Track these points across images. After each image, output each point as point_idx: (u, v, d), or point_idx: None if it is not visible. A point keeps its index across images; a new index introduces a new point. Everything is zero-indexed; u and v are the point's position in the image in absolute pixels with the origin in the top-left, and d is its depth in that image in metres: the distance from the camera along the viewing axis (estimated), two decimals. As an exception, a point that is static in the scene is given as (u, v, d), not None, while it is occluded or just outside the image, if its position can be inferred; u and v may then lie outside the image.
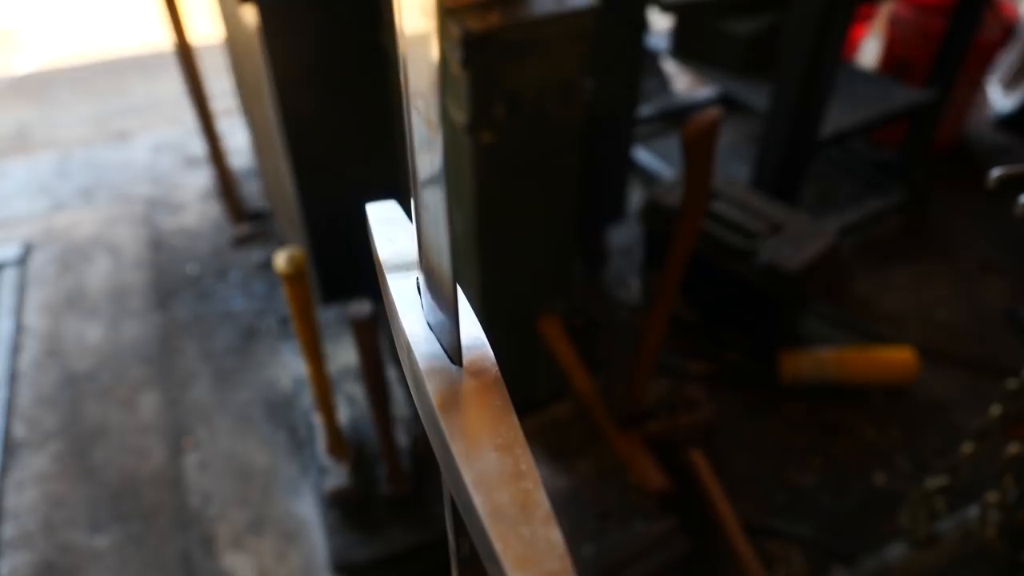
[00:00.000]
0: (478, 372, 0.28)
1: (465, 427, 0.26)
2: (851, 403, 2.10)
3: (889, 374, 2.11)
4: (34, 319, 2.44)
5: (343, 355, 2.15)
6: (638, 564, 1.52)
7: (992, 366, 2.17)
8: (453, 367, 0.29)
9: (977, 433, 1.18)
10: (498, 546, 0.22)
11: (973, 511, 1.41)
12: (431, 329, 0.30)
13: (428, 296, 0.30)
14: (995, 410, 1.12)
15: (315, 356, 1.49)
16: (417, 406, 0.30)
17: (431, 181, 0.27)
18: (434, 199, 0.27)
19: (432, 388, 0.28)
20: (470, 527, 0.25)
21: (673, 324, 2.24)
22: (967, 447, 1.20)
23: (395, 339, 0.33)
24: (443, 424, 0.26)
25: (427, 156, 0.27)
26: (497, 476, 0.24)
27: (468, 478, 0.24)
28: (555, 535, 0.23)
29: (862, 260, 2.61)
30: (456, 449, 0.25)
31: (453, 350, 0.29)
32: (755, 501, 1.86)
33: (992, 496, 1.19)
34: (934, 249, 2.69)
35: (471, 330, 0.30)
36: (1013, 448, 1.12)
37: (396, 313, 0.31)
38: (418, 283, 0.32)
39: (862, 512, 1.84)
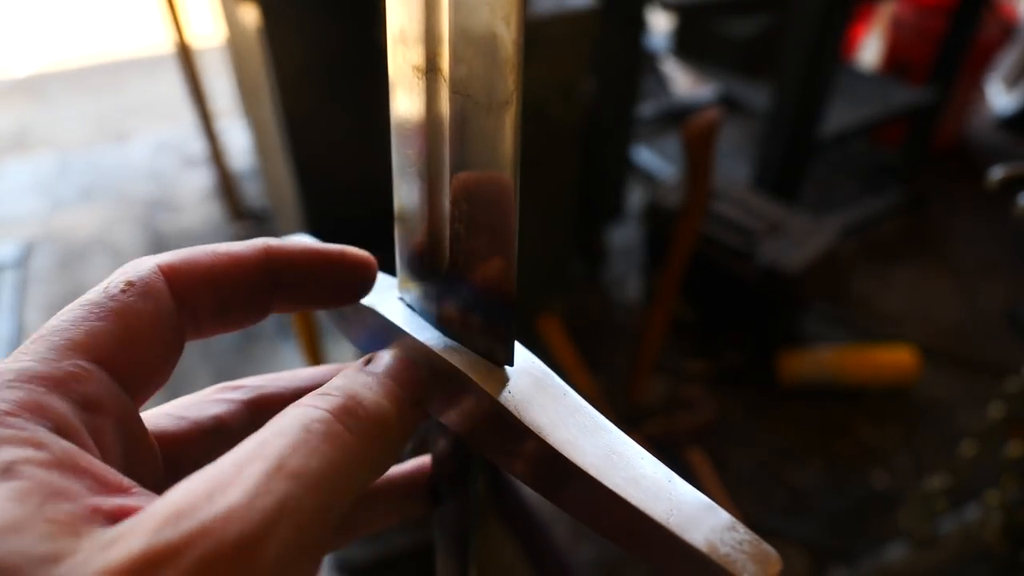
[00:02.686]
0: (527, 367, 0.27)
1: (550, 423, 0.25)
2: (851, 403, 2.10)
3: (889, 374, 2.11)
4: (34, 319, 2.44)
5: (343, 355, 2.15)
6: (639, 565, 1.52)
7: (992, 366, 2.17)
8: (500, 368, 0.27)
9: (977, 433, 1.18)
10: (660, 519, 0.22)
11: (973, 511, 1.41)
12: (451, 339, 0.28)
13: (456, 301, 0.28)
14: (995, 410, 1.12)
15: (315, 356, 1.49)
16: (459, 427, 0.28)
17: (501, 156, 0.24)
18: (499, 176, 0.24)
19: (496, 395, 0.26)
20: (602, 521, 0.24)
21: (673, 324, 2.24)
22: (967, 447, 1.20)
23: None
24: (529, 424, 0.25)
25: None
26: (611, 456, 0.24)
27: (584, 463, 0.23)
28: (694, 492, 0.23)
29: (862, 260, 2.61)
30: (555, 442, 0.24)
31: (501, 350, 0.27)
32: (755, 501, 1.86)
33: (992, 496, 1.19)
34: (934, 249, 2.69)
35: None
36: (1013, 448, 1.12)
37: (400, 332, 0.29)
38: (405, 300, 0.30)
39: (862, 512, 1.84)
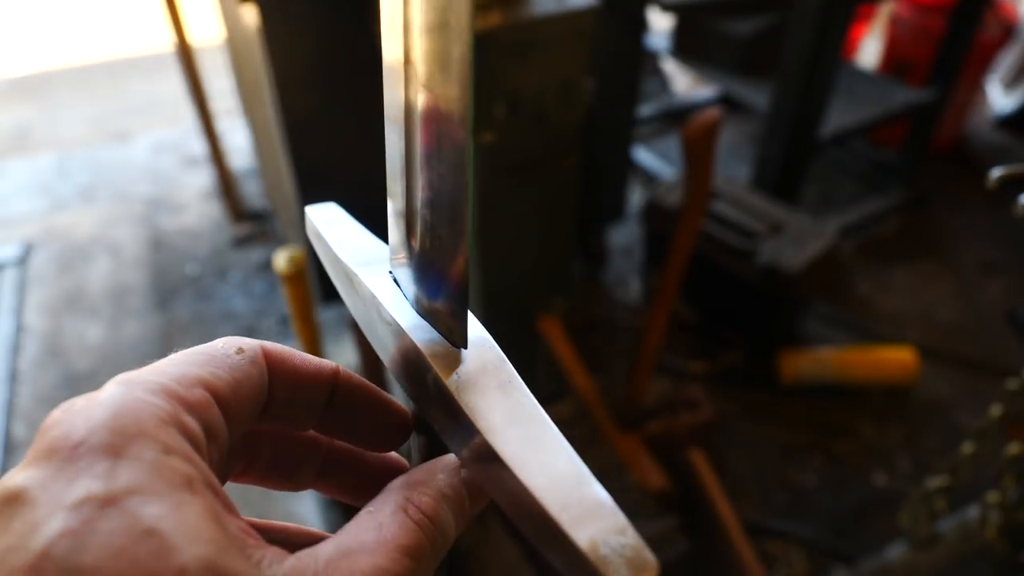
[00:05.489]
0: (482, 352, 0.29)
1: (485, 407, 0.26)
2: (851, 403, 2.10)
3: (889, 374, 2.11)
4: (34, 319, 2.44)
5: (343, 355, 2.15)
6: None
7: (992, 366, 2.17)
8: (456, 350, 0.29)
9: (977, 433, 1.18)
10: (553, 511, 0.23)
11: (973, 511, 1.41)
12: (422, 317, 0.30)
13: (423, 283, 0.30)
14: (995, 410, 1.12)
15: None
16: (415, 399, 0.30)
17: (454, 151, 0.26)
18: (454, 170, 0.26)
19: (441, 373, 0.28)
20: (509, 505, 0.25)
21: (673, 324, 2.24)
22: (967, 447, 1.20)
23: (372, 335, 0.33)
24: (464, 407, 0.26)
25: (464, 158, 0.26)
26: (533, 448, 0.25)
27: (504, 452, 0.24)
28: (604, 494, 0.23)
29: (862, 260, 2.61)
30: (483, 427, 0.25)
31: (456, 333, 0.29)
32: (755, 501, 1.86)
33: (992, 496, 1.19)
34: (934, 249, 2.69)
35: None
36: (1013, 448, 1.12)
37: (380, 306, 0.31)
38: (393, 275, 0.32)
39: (862, 512, 1.84)
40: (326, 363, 0.30)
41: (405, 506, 0.27)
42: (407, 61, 0.26)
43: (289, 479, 0.32)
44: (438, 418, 0.29)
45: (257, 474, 0.31)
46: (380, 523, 0.26)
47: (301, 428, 0.31)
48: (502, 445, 0.25)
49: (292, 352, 0.30)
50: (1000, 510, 1.17)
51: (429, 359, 0.28)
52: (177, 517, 0.20)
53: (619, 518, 0.23)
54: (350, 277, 0.34)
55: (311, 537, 0.30)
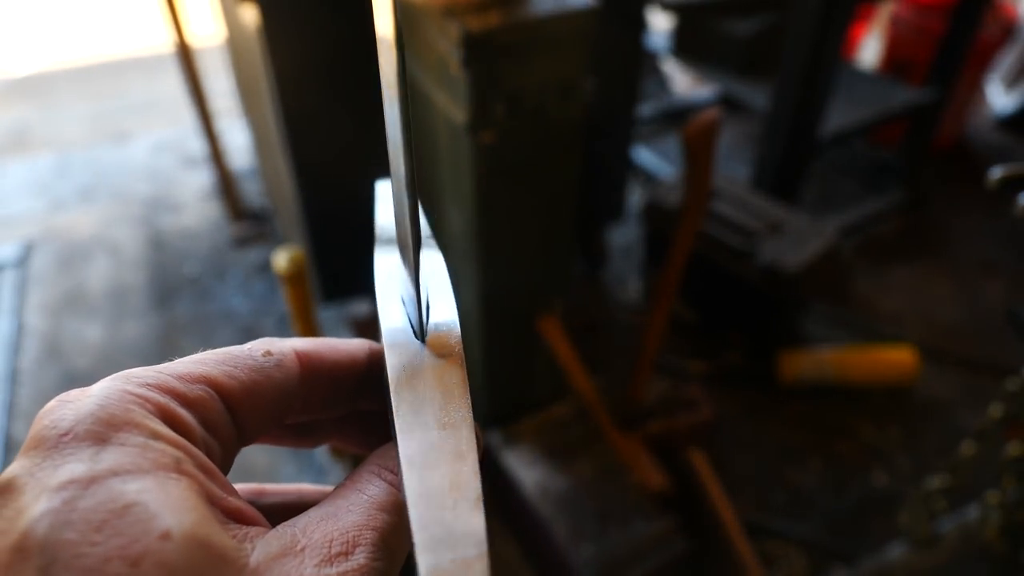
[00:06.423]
0: (440, 349, 0.28)
1: (414, 403, 0.26)
2: (851, 403, 2.10)
3: (889, 374, 2.11)
4: (34, 319, 2.44)
5: (343, 355, 2.15)
6: (638, 564, 1.52)
7: (992, 366, 2.17)
8: (415, 342, 0.28)
9: (977, 433, 1.18)
10: (415, 527, 0.22)
11: (973, 511, 1.41)
12: (403, 303, 0.30)
13: (402, 269, 0.30)
14: (995, 410, 1.12)
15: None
16: (384, 383, 0.30)
17: (395, 146, 0.27)
18: (396, 163, 0.27)
19: (390, 361, 0.27)
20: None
21: (673, 324, 2.24)
22: (967, 447, 1.20)
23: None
24: (392, 399, 0.26)
25: (391, 118, 0.27)
26: (435, 455, 0.24)
27: (403, 454, 0.24)
28: (477, 522, 0.22)
29: (862, 260, 2.61)
30: (399, 425, 0.25)
31: (417, 324, 0.28)
32: (755, 501, 1.86)
33: (992, 496, 1.19)
34: (934, 249, 2.69)
35: (442, 308, 0.29)
36: (1013, 448, 1.12)
37: (376, 285, 0.31)
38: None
39: (862, 512, 1.84)
40: (360, 349, 0.31)
41: (378, 471, 0.27)
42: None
43: (307, 437, 0.32)
44: (387, 405, 0.28)
45: (273, 435, 0.31)
46: (356, 489, 0.27)
47: (341, 412, 0.31)
48: (405, 447, 0.24)
49: (327, 347, 0.30)
50: (1000, 510, 1.18)
51: (387, 347, 0.28)
52: (160, 491, 0.21)
53: (479, 552, 0.21)
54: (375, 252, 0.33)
55: (322, 495, 0.31)
